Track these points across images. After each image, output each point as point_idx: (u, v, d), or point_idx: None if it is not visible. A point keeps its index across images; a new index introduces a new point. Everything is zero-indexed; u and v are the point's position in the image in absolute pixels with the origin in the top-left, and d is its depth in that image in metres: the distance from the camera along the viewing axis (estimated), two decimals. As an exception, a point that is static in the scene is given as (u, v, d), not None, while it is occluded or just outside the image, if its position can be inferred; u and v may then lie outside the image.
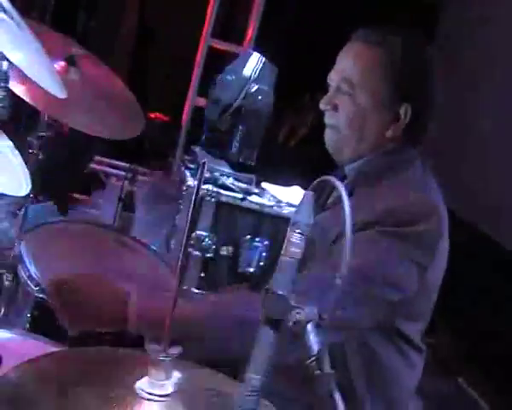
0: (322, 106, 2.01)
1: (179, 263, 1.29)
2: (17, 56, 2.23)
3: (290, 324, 1.13)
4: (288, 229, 1.18)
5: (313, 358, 1.10)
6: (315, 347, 1.12)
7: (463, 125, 5.17)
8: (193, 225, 1.10)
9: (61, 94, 2.22)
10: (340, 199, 1.90)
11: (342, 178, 2.01)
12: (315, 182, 1.21)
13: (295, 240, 1.16)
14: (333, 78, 2.00)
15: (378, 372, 1.97)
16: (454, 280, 2.22)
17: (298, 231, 1.16)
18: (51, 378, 1.34)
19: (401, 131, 1.96)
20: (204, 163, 1.17)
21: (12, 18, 2.01)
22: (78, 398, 1.29)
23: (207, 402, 1.36)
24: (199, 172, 1.18)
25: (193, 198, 1.20)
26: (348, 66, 1.97)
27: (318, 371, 1.09)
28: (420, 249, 1.85)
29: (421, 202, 1.88)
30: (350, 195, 1.82)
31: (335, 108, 1.98)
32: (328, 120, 2.01)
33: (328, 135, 2.02)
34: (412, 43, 1.99)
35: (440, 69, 2.00)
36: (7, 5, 1.95)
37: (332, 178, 1.26)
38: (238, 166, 3.97)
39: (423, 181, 1.97)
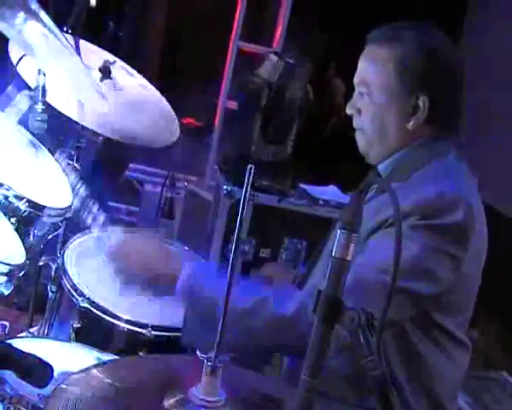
0: (348, 111, 2.05)
1: (230, 267, 1.29)
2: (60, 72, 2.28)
3: (344, 325, 1.13)
4: (337, 230, 1.18)
5: (369, 358, 1.10)
6: (370, 347, 1.11)
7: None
8: (239, 230, 1.10)
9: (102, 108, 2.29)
10: (370, 197, 1.93)
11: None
12: (363, 182, 1.21)
13: (345, 241, 1.15)
14: (355, 82, 2.05)
15: (418, 367, 1.96)
16: (495, 272, 2.19)
17: (347, 231, 1.15)
18: (105, 387, 1.35)
19: (424, 123, 1.96)
20: (251, 168, 1.17)
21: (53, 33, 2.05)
22: (132, 406, 1.30)
23: (261, 407, 1.36)
24: (246, 176, 1.17)
25: (241, 203, 1.19)
26: (363, 68, 2.02)
27: (375, 372, 1.09)
28: (451, 242, 1.85)
29: (446, 195, 1.86)
30: (382, 191, 1.84)
31: (359, 111, 2.02)
32: (355, 123, 2.05)
33: (357, 138, 2.06)
34: (423, 35, 1.99)
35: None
36: (48, 21, 1.99)
37: (378, 178, 1.24)
38: (274, 167, 3.94)
39: (454, 173, 1.97)
